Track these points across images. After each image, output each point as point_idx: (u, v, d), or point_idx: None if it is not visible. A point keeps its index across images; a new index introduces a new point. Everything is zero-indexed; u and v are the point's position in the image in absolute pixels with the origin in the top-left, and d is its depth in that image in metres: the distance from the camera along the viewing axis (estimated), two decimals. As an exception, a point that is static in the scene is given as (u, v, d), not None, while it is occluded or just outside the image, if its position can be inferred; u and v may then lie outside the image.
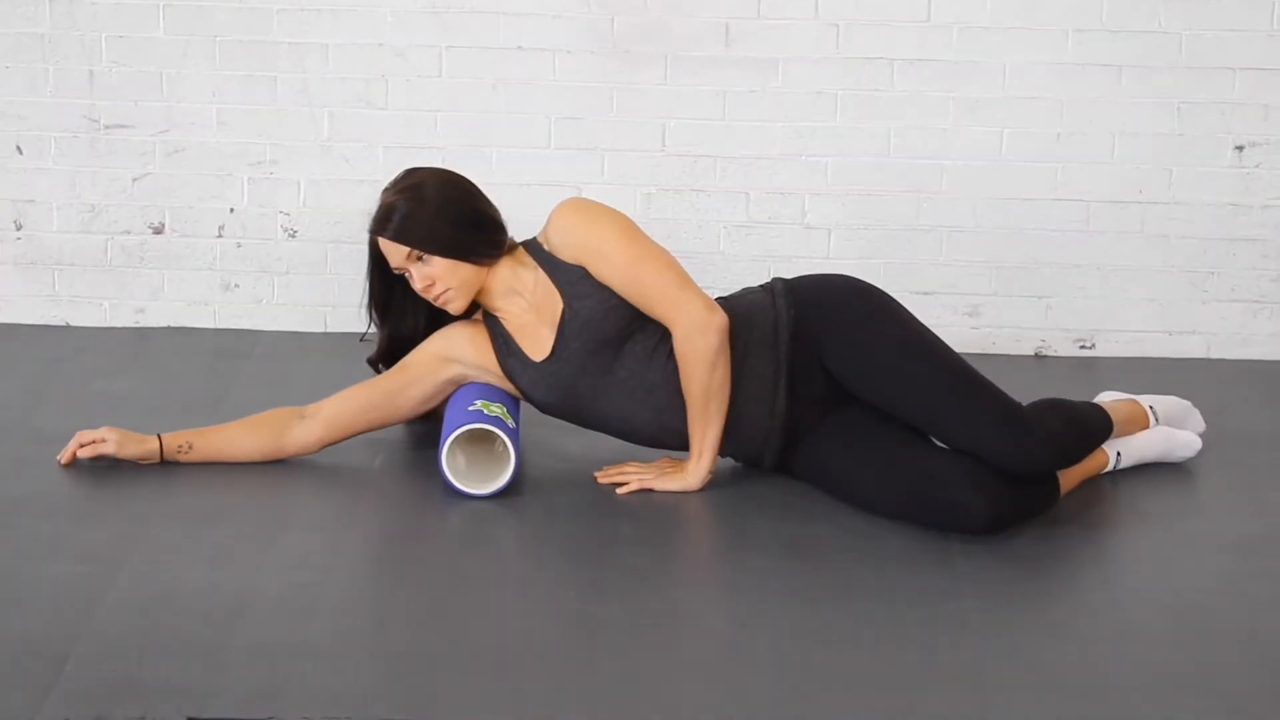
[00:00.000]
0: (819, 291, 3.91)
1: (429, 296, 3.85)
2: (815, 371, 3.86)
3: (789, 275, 4.06)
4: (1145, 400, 4.14)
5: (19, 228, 5.00)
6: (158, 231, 5.01)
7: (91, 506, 3.74)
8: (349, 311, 5.00)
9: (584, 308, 3.82)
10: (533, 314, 3.88)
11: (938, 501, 3.67)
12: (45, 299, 5.04)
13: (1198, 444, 4.12)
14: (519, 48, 4.89)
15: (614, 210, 3.88)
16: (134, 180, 4.98)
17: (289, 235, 5.01)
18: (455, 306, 3.87)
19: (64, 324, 5.05)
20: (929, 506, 3.68)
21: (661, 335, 3.84)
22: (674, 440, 3.90)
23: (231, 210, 5.00)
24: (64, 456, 3.91)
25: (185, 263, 5.03)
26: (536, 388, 3.89)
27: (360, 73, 4.91)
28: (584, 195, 4.87)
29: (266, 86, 4.92)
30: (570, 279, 3.83)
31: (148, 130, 4.94)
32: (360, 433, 3.97)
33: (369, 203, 4.87)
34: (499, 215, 3.90)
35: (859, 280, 3.97)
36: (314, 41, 4.89)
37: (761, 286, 3.97)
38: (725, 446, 3.92)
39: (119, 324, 5.06)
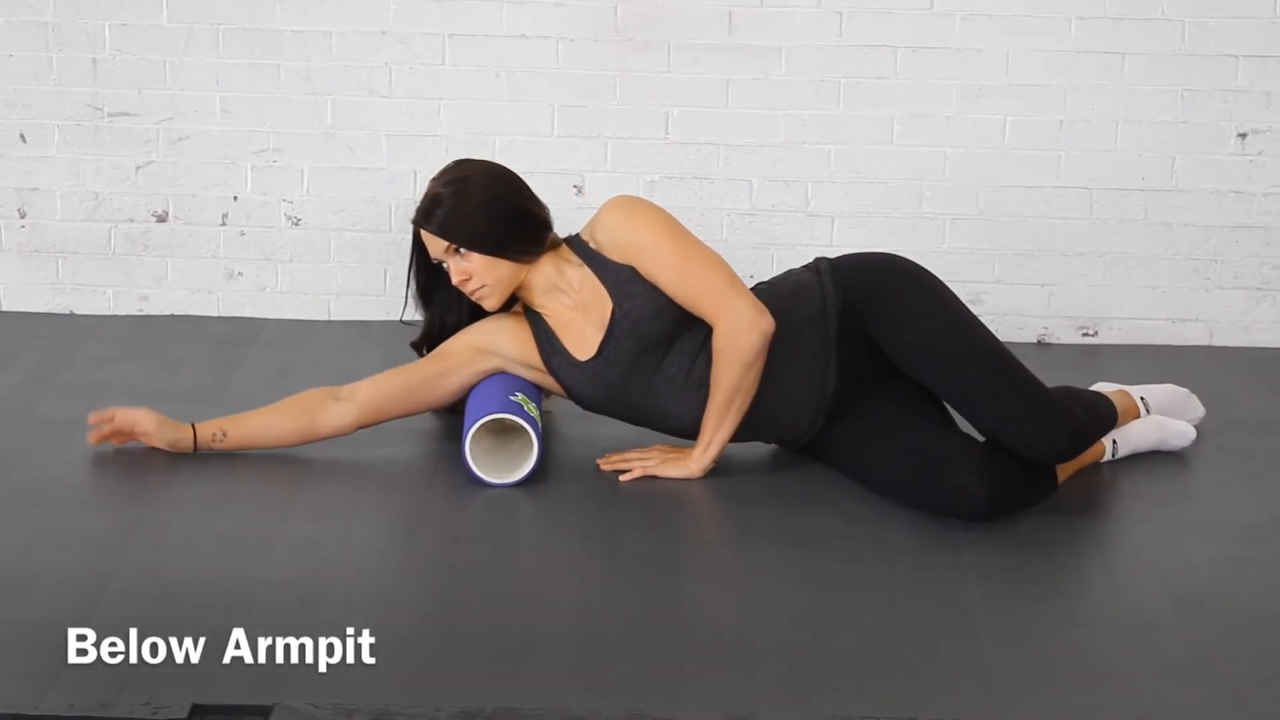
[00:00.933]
0: (865, 269, 3.90)
1: (465, 290, 3.85)
2: (862, 349, 3.85)
3: (785, 267, 4.08)
4: (1136, 391, 4.15)
5: (23, 216, 5.00)
6: (161, 219, 5.01)
7: (97, 494, 3.75)
8: (352, 299, 5.02)
9: (634, 307, 3.82)
10: (578, 312, 3.88)
11: (939, 483, 3.68)
12: (49, 287, 5.05)
13: (1192, 433, 4.13)
14: (522, 36, 4.89)
15: (660, 209, 3.87)
16: (137, 168, 4.98)
17: (292, 223, 5.01)
18: (490, 303, 3.87)
19: (68, 312, 5.06)
20: (930, 487, 3.69)
21: (708, 333, 3.84)
22: None
23: (235, 198, 5.00)
24: (94, 436, 3.92)
25: (189, 251, 5.03)
26: (583, 386, 3.89)
27: (364, 60, 4.91)
28: (581, 182, 4.90)
29: (270, 74, 4.92)
30: (619, 279, 3.83)
31: (151, 118, 4.94)
32: (395, 417, 3.96)
33: (372, 191, 4.92)
34: (546, 213, 3.89)
35: (903, 258, 3.96)
36: (317, 29, 4.89)
37: (805, 267, 3.96)
38: (771, 430, 3.92)
39: (123, 312, 5.06)
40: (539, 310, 3.90)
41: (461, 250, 3.80)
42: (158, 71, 4.91)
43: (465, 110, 4.93)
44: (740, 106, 4.92)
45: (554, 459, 4.00)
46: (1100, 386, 4.19)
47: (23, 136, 4.95)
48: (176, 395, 4.27)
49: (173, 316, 5.05)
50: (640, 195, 4.88)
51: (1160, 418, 4.12)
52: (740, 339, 3.76)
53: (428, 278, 3.96)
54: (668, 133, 4.94)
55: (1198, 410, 4.23)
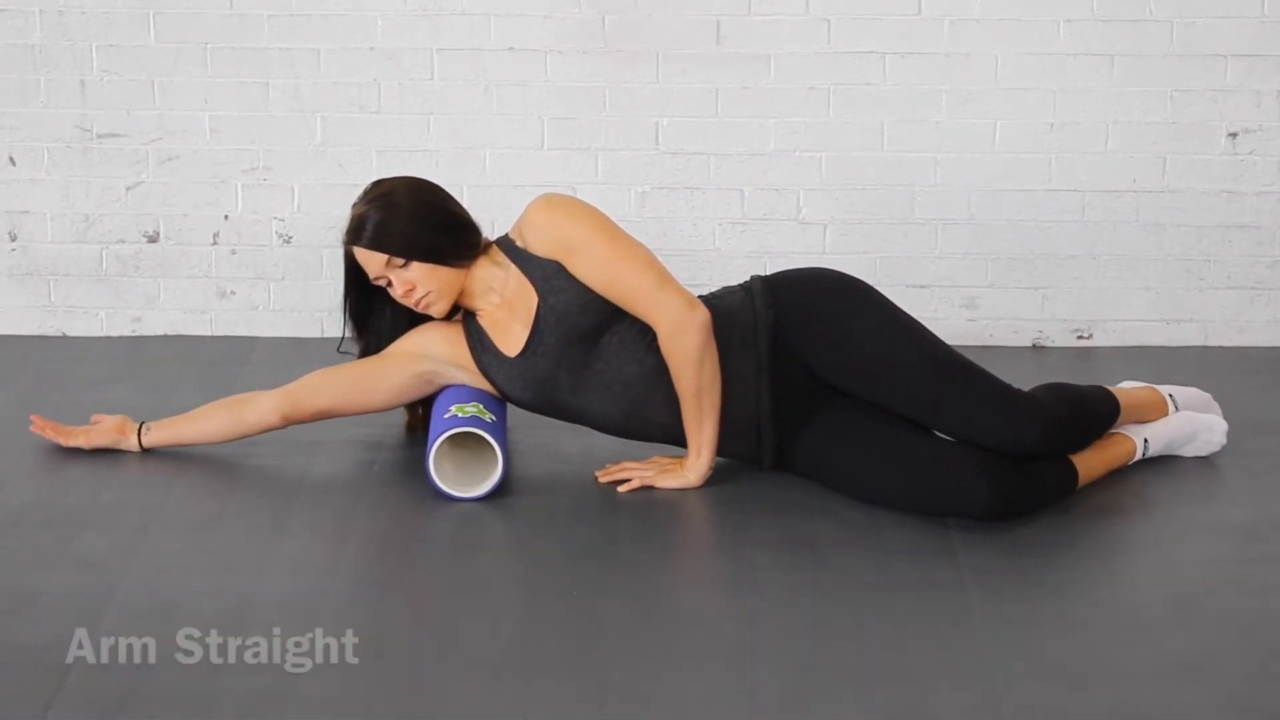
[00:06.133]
0: (798, 290, 3.90)
1: (409, 302, 3.85)
2: (798, 369, 3.85)
3: (770, 271, 4.07)
4: (1165, 389, 4.13)
5: (13, 239, 5.00)
6: (152, 240, 5.00)
7: (90, 516, 3.74)
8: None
9: (560, 302, 3.82)
10: (506, 310, 3.88)
11: (941, 489, 3.67)
12: (41, 310, 5.04)
13: (1223, 426, 4.08)
14: (510, 49, 4.89)
15: (589, 206, 3.87)
16: (128, 189, 4.98)
17: (284, 241, 5.01)
18: (437, 310, 3.87)
19: (60, 334, 5.05)
20: (932, 494, 3.68)
21: (639, 329, 3.84)
22: (652, 432, 3.91)
23: (226, 217, 5.00)
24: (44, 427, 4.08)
25: (180, 271, 5.02)
26: (512, 384, 3.89)
27: (352, 77, 4.91)
28: (569, 193, 4.88)
29: (258, 92, 4.92)
30: (546, 273, 3.83)
31: (140, 139, 4.94)
32: (324, 412, 3.97)
33: (363, 207, 4.90)
34: (469, 216, 3.91)
35: (839, 273, 3.96)
36: (305, 46, 4.89)
37: (740, 286, 3.95)
38: (720, 446, 3.91)
39: (115, 333, 5.05)
40: (474, 312, 3.92)
41: (400, 262, 3.80)
42: (146, 92, 4.91)
43: (454, 124, 4.93)
44: (730, 115, 4.92)
45: (548, 472, 3.99)
46: (1127, 384, 4.17)
47: (12, 159, 4.95)
48: (170, 415, 4.25)
49: (165, 337, 5.05)
50: (631, 206, 4.89)
51: (1190, 413, 4.10)
52: (681, 339, 3.76)
53: (362, 301, 3.97)
54: (658, 143, 4.94)
55: (1219, 415, 4.20)
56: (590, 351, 3.85)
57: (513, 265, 3.87)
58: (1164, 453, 4.05)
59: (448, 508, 3.79)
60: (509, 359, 3.88)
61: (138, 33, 4.88)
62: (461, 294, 3.88)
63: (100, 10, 4.86)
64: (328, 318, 5.05)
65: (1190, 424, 4.08)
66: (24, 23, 4.88)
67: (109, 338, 5.04)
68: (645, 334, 3.84)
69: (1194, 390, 4.20)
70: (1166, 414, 4.09)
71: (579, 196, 3.94)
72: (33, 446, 4.10)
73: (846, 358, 3.82)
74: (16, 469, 4.00)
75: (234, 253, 5.02)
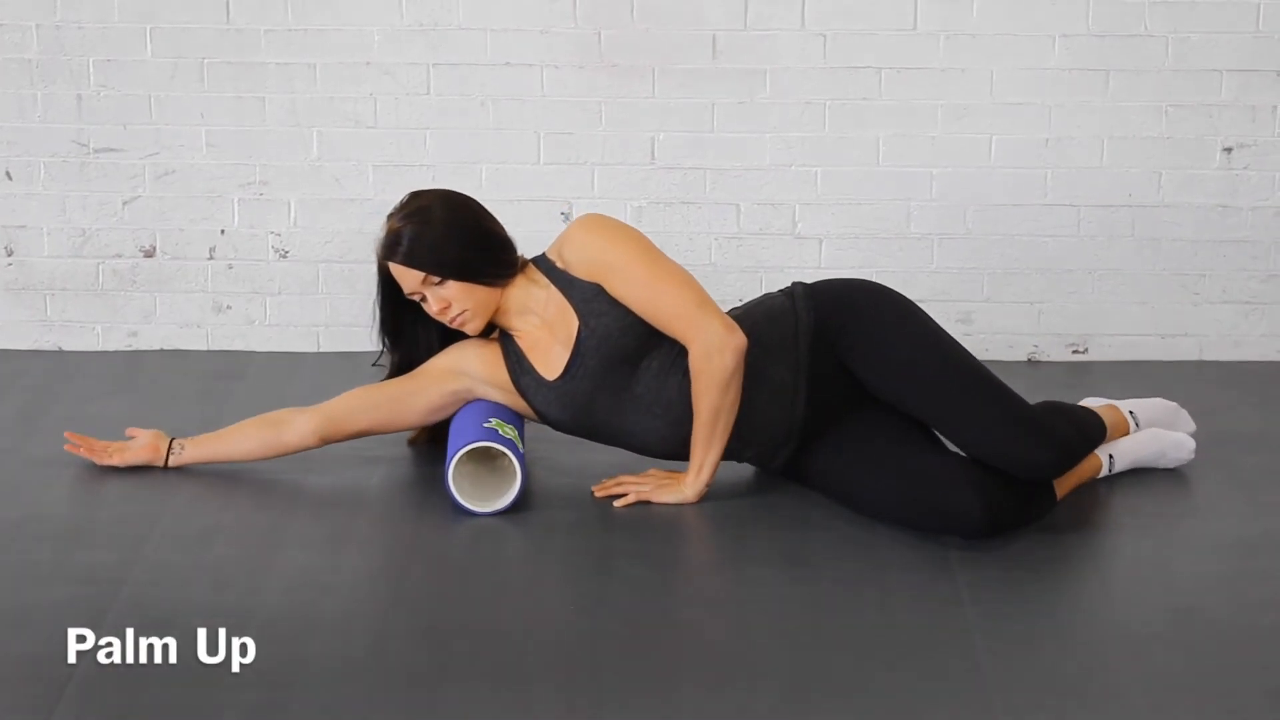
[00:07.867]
0: (839, 294, 3.91)
1: (445, 319, 3.85)
2: (834, 374, 3.86)
3: (779, 284, 4.08)
4: (1124, 406, 4.14)
5: (10, 254, 5.00)
6: (149, 255, 5.01)
7: (89, 529, 3.74)
8: (341, 331, 5.02)
9: (600, 325, 3.82)
10: (545, 331, 3.88)
11: (935, 504, 3.67)
12: (37, 324, 5.04)
13: (1191, 444, 4.11)
14: (507, 64, 4.90)
15: (630, 227, 3.88)
16: (124, 204, 4.98)
17: (280, 256, 5.01)
18: (472, 328, 3.86)
19: (57, 349, 5.05)
20: (926, 509, 3.68)
21: (679, 351, 3.84)
22: (689, 452, 3.90)
23: (222, 232, 5.00)
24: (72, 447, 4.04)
25: (177, 285, 5.03)
26: (551, 407, 3.89)
27: (349, 92, 4.91)
28: (568, 209, 4.90)
29: (255, 107, 4.92)
30: (586, 296, 3.83)
31: (137, 153, 4.94)
32: (362, 433, 3.97)
33: (360, 222, 4.92)
34: (506, 233, 3.90)
35: (878, 284, 3.96)
36: (302, 61, 4.89)
37: (781, 291, 3.96)
38: (740, 449, 3.91)
39: (112, 348, 5.05)
40: (511, 332, 3.91)
41: (436, 279, 3.80)
42: (143, 107, 4.92)
43: (451, 139, 4.94)
44: (726, 130, 4.92)
45: (546, 487, 3.99)
46: (1088, 402, 4.19)
47: (8, 174, 4.95)
48: (167, 430, 4.24)
49: (162, 351, 5.05)
50: (627, 221, 4.88)
51: (1156, 430, 4.11)
52: (714, 358, 3.76)
53: (395, 315, 3.96)
54: (654, 158, 4.94)
55: (1188, 424, 4.22)
56: (630, 375, 3.85)
57: (552, 286, 3.87)
58: (1130, 468, 4.06)
59: (447, 521, 3.79)
60: (549, 382, 3.87)
61: (134, 48, 4.89)
62: (497, 312, 3.88)
63: (97, 25, 4.87)
64: (324, 332, 5.05)
65: (1157, 441, 4.09)
66: (21, 37, 4.88)
67: (105, 352, 5.04)
68: (684, 357, 3.84)
69: (1158, 401, 4.20)
70: (1128, 433, 4.10)
71: (612, 216, 3.92)
72: (31, 460, 4.10)
73: (882, 360, 3.82)
74: (13, 483, 4.00)
75: (230, 267, 5.02)
